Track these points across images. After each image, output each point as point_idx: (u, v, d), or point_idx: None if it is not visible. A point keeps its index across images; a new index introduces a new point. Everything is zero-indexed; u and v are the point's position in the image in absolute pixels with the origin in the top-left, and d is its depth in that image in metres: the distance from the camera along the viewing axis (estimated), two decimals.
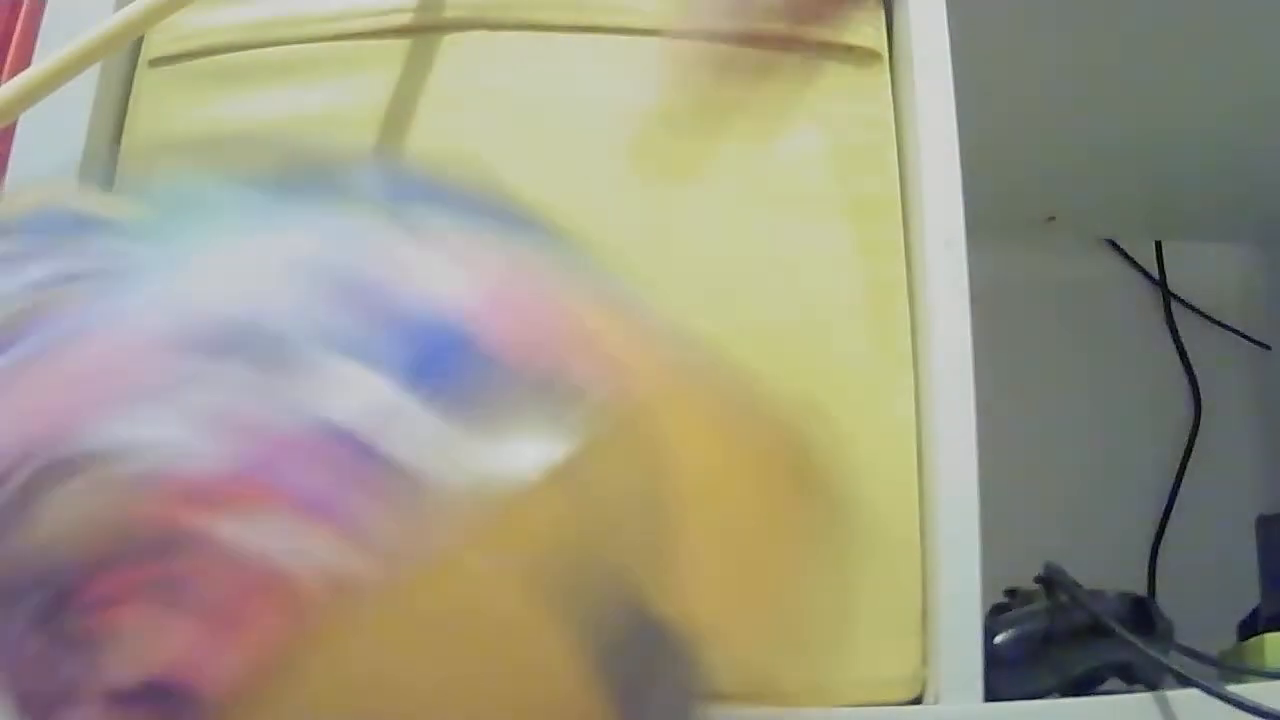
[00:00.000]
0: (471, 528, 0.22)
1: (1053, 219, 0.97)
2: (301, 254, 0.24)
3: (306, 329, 0.23)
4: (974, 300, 0.52)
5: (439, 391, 0.22)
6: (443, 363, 0.23)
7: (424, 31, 0.53)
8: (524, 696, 0.22)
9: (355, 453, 0.22)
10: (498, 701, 0.22)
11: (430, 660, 0.22)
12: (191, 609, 0.21)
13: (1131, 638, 0.52)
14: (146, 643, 0.21)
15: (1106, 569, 0.63)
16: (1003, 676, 0.50)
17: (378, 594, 0.21)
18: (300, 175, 0.28)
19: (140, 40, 0.54)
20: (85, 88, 0.52)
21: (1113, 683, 0.56)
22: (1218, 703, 0.48)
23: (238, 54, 0.53)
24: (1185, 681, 0.50)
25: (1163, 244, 1.00)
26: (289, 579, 0.21)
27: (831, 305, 0.52)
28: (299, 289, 0.23)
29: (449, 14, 0.53)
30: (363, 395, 0.22)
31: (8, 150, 0.52)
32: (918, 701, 0.49)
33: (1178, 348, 0.99)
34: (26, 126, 0.52)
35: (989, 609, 0.54)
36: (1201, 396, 0.98)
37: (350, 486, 0.21)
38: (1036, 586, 0.57)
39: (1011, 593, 0.58)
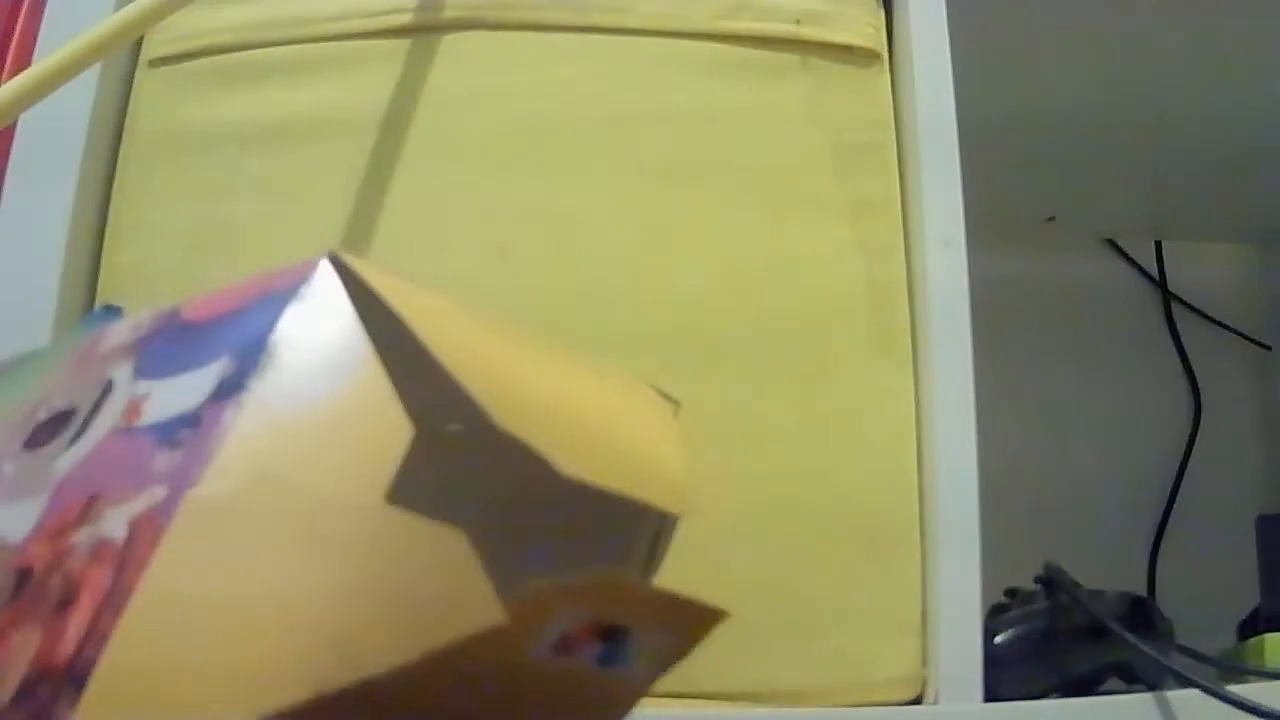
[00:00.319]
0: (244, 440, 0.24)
1: (1053, 219, 0.97)
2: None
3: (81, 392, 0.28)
4: (974, 300, 0.52)
5: (165, 363, 0.27)
6: (158, 342, 0.28)
7: (424, 31, 0.53)
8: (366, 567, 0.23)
9: (136, 436, 0.26)
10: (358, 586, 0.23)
11: (266, 563, 0.23)
12: (39, 613, 0.24)
13: (1131, 638, 0.52)
14: (12, 665, 0.23)
15: (1106, 569, 0.63)
16: (1003, 676, 0.50)
17: (189, 517, 0.23)
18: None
19: (140, 40, 0.54)
20: (85, 88, 0.52)
21: (1113, 683, 0.56)
22: (1218, 703, 0.48)
23: (238, 54, 0.53)
24: (1185, 681, 0.50)
25: (1163, 244, 1.00)
26: (109, 542, 0.24)
27: (831, 305, 0.52)
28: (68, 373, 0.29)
29: (449, 14, 0.53)
30: (122, 402, 0.27)
31: (8, 150, 0.52)
32: (918, 701, 0.49)
33: (1178, 348, 0.99)
34: (26, 126, 0.52)
35: (989, 609, 0.54)
36: (1201, 396, 0.98)
37: (140, 462, 0.25)
38: (1036, 586, 0.57)
39: (1011, 593, 0.58)
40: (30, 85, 0.42)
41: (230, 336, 0.26)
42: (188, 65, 0.53)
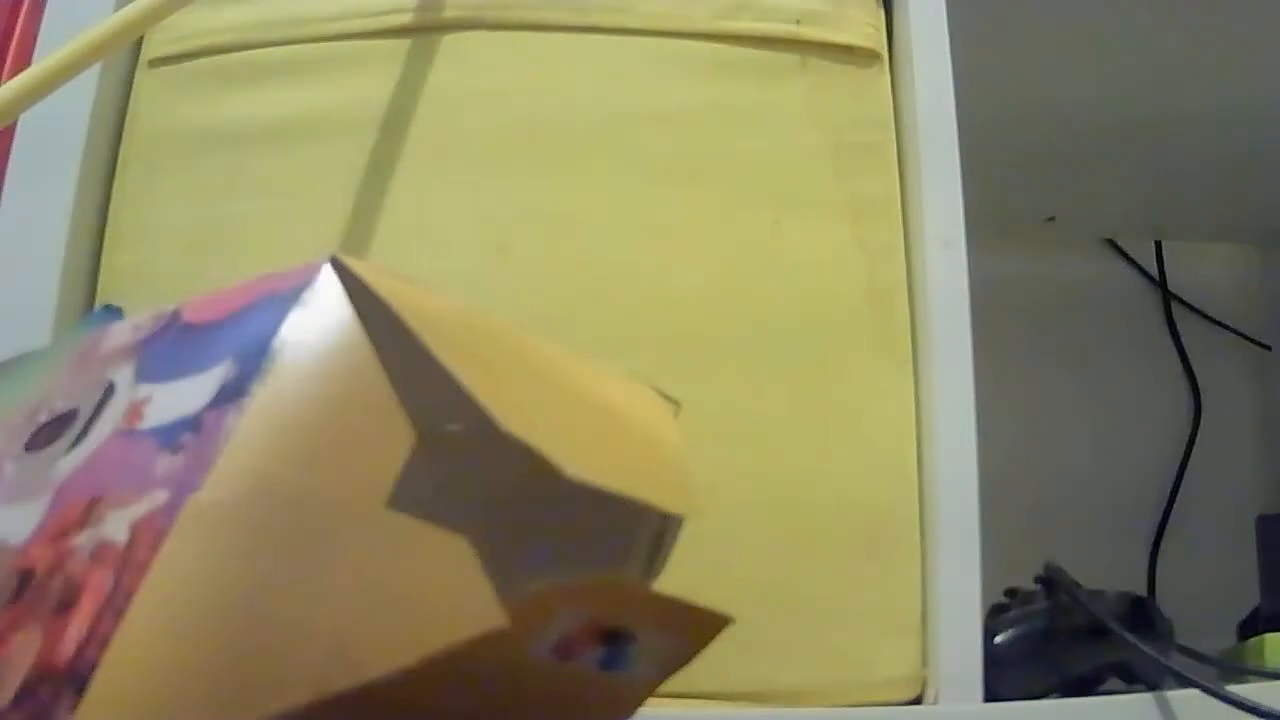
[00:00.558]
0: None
1: (1053, 219, 0.97)
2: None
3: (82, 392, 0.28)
4: (974, 300, 0.52)
5: (167, 366, 0.27)
6: (159, 344, 0.28)
7: (424, 31, 0.53)
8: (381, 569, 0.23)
9: (137, 439, 0.26)
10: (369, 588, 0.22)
11: (284, 563, 0.23)
12: (40, 614, 0.24)
13: (1131, 638, 0.52)
14: (13, 667, 0.23)
15: (1106, 569, 0.63)
16: (1003, 676, 0.50)
17: (190, 521, 0.23)
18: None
19: (140, 40, 0.54)
20: (85, 88, 0.52)
21: (1113, 683, 0.56)
22: (1218, 703, 0.48)
23: (238, 54, 0.53)
24: (1185, 681, 0.50)
25: (1163, 244, 1.00)
26: (111, 545, 0.24)
27: (831, 305, 0.52)
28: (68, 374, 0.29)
29: (449, 14, 0.53)
30: (123, 404, 0.27)
31: (8, 150, 0.52)
32: (918, 701, 0.49)
33: (1178, 348, 0.99)
34: (26, 126, 0.52)
35: (989, 609, 0.54)
36: (1201, 396, 0.98)
37: (141, 465, 0.25)
38: (1036, 586, 0.57)
39: (1011, 593, 0.58)
40: (30, 85, 0.42)
41: (232, 340, 0.26)
42: (188, 65, 0.53)
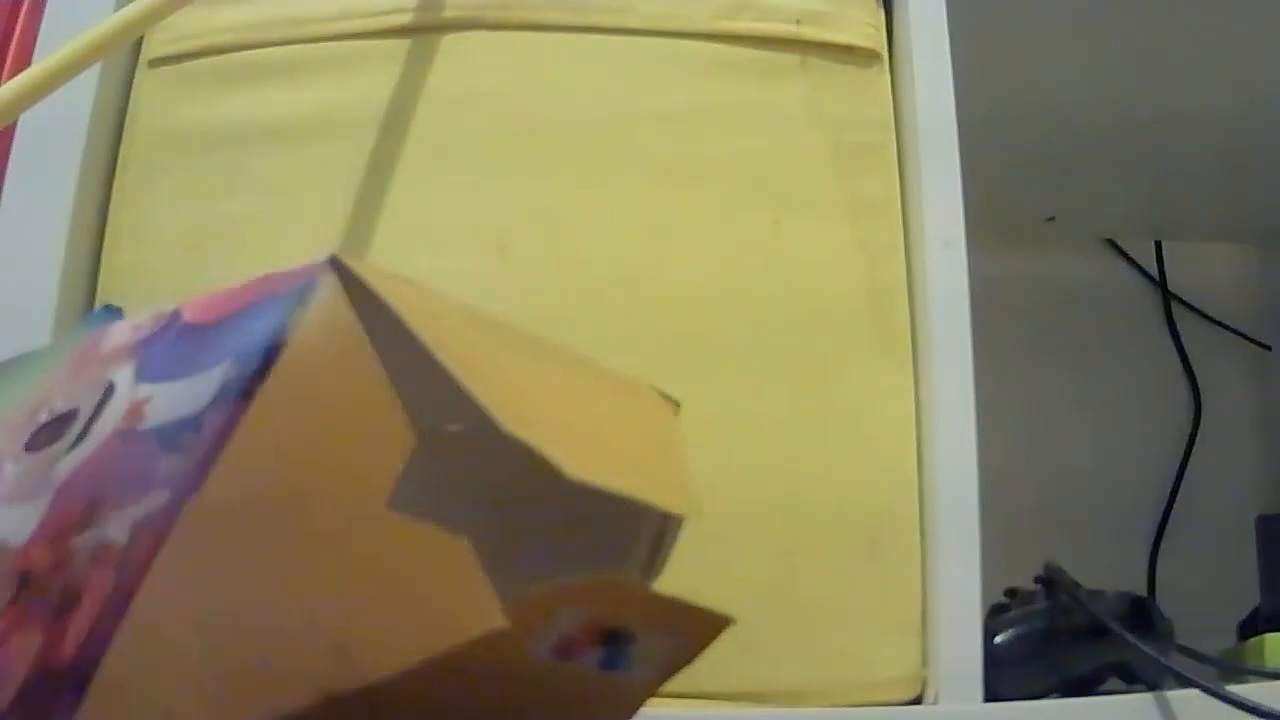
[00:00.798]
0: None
1: (1053, 219, 0.97)
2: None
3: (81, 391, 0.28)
4: (974, 300, 0.52)
5: (167, 366, 0.27)
6: (160, 345, 0.28)
7: (424, 31, 0.53)
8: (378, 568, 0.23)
9: (138, 440, 0.26)
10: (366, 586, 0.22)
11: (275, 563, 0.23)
12: (41, 615, 0.24)
13: (1131, 638, 0.52)
14: (13, 667, 0.23)
15: (1106, 569, 0.63)
16: (1003, 676, 0.50)
17: (191, 522, 0.23)
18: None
19: (140, 40, 0.54)
20: (85, 88, 0.52)
21: (1113, 683, 0.56)
22: (1218, 703, 0.48)
23: (238, 54, 0.53)
24: (1185, 681, 0.50)
25: (1163, 244, 1.00)
26: (111, 546, 0.24)
27: (831, 305, 0.52)
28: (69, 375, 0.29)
29: (449, 14, 0.53)
30: (124, 404, 0.27)
31: (8, 150, 0.52)
32: (918, 701, 0.49)
33: (1178, 348, 0.99)
34: (26, 126, 0.52)
35: (989, 609, 0.54)
36: (1201, 396, 0.98)
37: (142, 466, 0.25)
38: (1036, 586, 0.57)
39: (1011, 593, 0.58)
40: (30, 85, 0.42)
41: (232, 340, 0.26)
42: (188, 65, 0.53)
